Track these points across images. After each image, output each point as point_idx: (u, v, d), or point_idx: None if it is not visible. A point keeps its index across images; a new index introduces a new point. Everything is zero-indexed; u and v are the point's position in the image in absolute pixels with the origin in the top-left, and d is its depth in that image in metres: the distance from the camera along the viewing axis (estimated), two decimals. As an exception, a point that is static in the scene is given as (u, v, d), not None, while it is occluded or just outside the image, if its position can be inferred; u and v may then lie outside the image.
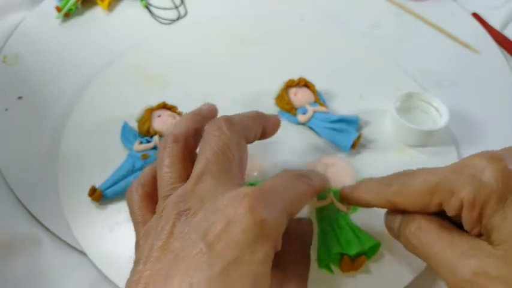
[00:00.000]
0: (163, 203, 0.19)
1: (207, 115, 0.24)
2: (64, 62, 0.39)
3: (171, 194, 0.19)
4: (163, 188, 0.20)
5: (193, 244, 0.17)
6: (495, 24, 0.45)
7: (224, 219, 0.17)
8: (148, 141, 0.32)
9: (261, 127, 0.24)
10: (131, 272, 0.18)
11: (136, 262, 0.18)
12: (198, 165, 0.20)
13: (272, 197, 0.19)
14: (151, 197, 0.22)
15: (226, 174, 0.20)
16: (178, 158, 0.21)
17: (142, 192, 0.22)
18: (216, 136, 0.21)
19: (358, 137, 0.32)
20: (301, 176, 0.22)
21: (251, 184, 0.29)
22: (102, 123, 0.34)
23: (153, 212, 0.20)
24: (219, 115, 0.35)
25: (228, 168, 0.20)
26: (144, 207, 0.21)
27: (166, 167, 0.21)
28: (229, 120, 0.22)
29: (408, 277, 0.27)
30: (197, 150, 0.22)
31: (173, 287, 0.16)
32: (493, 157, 0.19)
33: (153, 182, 0.22)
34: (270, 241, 0.18)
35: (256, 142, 0.33)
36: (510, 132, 0.36)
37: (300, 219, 0.25)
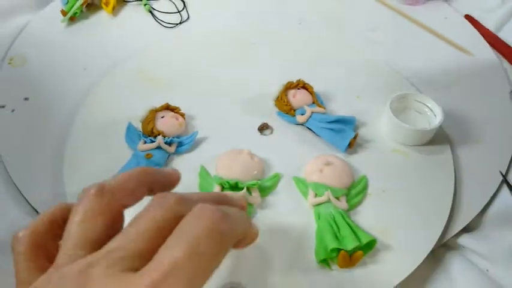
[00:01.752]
0: (51, 276, 0.16)
1: (156, 180, 0.19)
2: (69, 64, 0.39)
3: (64, 264, 0.16)
4: (63, 251, 0.16)
5: None
6: (489, 26, 0.45)
7: None
8: (152, 141, 0.32)
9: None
10: None
11: None
12: (110, 244, 0.16)
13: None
14: (43, 249, 0.18)
15: (133, 264, 0.15)
16: (95, 220, 0.17)
17: (31, 242, 0.18)
18: (150, 215, 0.16)
19: (355, 137, 0.33)
20: (216, 229, 0.16)
21: (250, 186, 0.30)
22: (107, 124, 0.34)
23: (42, 268, 0.17)
24: (219, 116, 0.36)
25: (142, 257, 0.15)
26: (32, 261, 0.17)
27: (77, 225, 0.17)
28: (178, 197, 0.17)
29: (404, 272, 0.27)
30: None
31: None
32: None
33: (50, 230, 0.18)
34: None
35: (257, 142, 0.34)
36: (503, 131, 0.37)
37: None
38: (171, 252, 0.15)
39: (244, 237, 0.18)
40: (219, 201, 0.19)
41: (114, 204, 0.17)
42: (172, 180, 0.20)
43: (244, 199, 0.24)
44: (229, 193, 0.23)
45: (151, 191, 0.19)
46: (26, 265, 0.17)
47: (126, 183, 0.18)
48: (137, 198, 0.19)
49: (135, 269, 0.15)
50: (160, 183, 0.20)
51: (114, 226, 0.17)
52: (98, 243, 0.16)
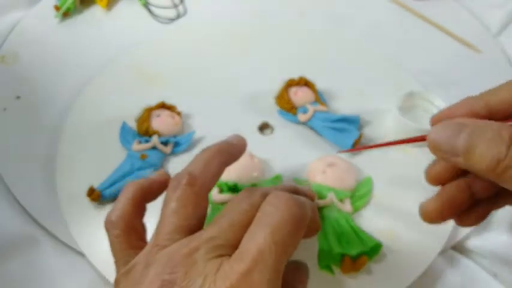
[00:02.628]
0: (154, 256, 0.18)
1: (232, 152, 0.22)
2: (63, 61, 0.39)
3: (165, 245, 0.18)
4: (160, 233, 0.18)
5: None
6: (496, 23, 0.45)
7: None
8: (147, 141, 0.31)
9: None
10: None
11: None
12: (208, 231, 0.18)
13: (260, 276, 0.16)
14: (133, 229, 0.20)
15: (229, 250, 0.17)
16: (188, 205, 0.19)
17: (124, 225, 0.20)
18: (241, 205, 0.18)
19: (359, 137, 0.32)
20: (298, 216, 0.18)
21: (252, 185, 0.29)
22: (101, 123, 0.33)
23: (135, 247, 0.19)
24: (217, 115, 0.35)
25: (235, 244, 0.17)
26: (127, 240, 0.20)
27: (172, 211, 0.19)
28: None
29: (410, 278, 0.27)
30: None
31: None
32: None
33: (135, 212, 0.20)
34: None
35: (257, 142, 0.33)
36: None
37: (295, 265, 0.21)
38: (255, 241, 0.17)
39: (311, 225, 0.19)
40: (290, 191, 0.20)
41: (203, 192, 0.19)
42: (241, 150, 0.23)
43: (311, 190, 0.25)
44: (297, 185, 0.25)
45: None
46: (122, 246, 0.19)
47: (209, 168, 0.20)
48: (218, 179, 0.21)
49: (228, 256, 0.17)
50: (233, 156, 0.22)
51: (202, 211, 0.19)
52: (190, 228, 0.18)
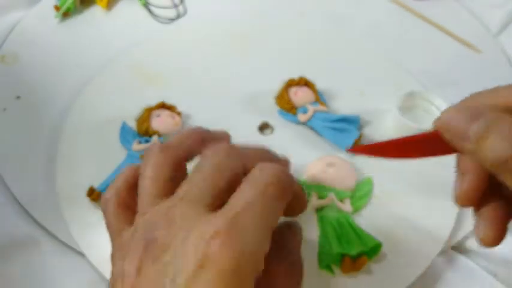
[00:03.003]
0: (139, 220, 0.18)
1: (209, 137, 0.22)
2: (63, 61, 0.39)
3: (147, 212, 0.18)
4: (142, 202, 0.19)
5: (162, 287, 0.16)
6: (496, 23, 0.44)
7: (195, 262, 0.16)
8: (147, 141, 0.31)
9: (262, 160, 0.21)
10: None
11: (114, 281, 0.18)
12: (182, 186, 0.18)
13: (248, 221, 0.16)
14: (127, 206, 0.21)
15: (208, 205, 0.18)
16: (164, 172, 0.19)
17: (117, 201, 0.21)
18: (212, 163, 0.19)
19: (359, 137, 0.32)
20: (280, 181, 0.18)
21: None
22: (101, 123, 0.33)
23: (130, 222, 0.19)
24: (217, 115, 0.35)
25: (212, 200, 0.18)
26: (121, 215, 0.20)
27: (149, 179, 0.19)
28: (231, 148, 0.20)
29: (410, 278, 0.27)
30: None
31: None
32: None
33: (129, 188, 0.21)
34: (249, 276, 0.16)
35: (257, 142, 0.33)
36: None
37: (286, 224, 0.22)
38: (243, 194, 0.17)
39: (298, 200, 0.20)
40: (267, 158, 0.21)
41: (177, 157, 0.20)
42: (222, 139, 0.23)
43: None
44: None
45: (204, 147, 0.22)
46: (116, 220, 0.20)
47: (183, 140, 0.21)
48: (195, 153, 0.21)
49: (208, 209, 0.17)
50: (213, 139, 0.22)
51: (180, 176, 0.20)
52: (170, 190, 0.19)
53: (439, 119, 0.18)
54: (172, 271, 0.16)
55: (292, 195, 0.19)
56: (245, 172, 0.19)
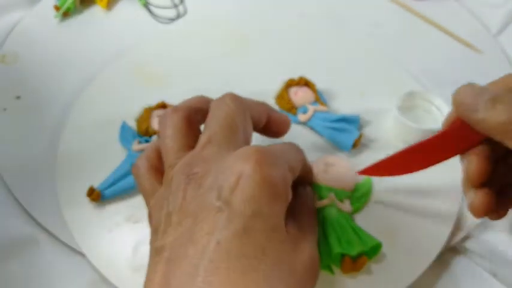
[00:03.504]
0: (171, 172, 0.20)
1: (210, 99, 0.24)
2: (63, 61, 0.39)
3: (177, 163, 0.20)
4: (168, 158, 0.20)
5: (210, 205, 0.17)
6: (496, 23, 0.44)
7: (234, 175, 0.18)
8: (147, 141, 0.31)
9: (267, 114, 0.24)
10: (150, 242, 0.19)
11: (154, 231, 0.19)
12: (203, 135, 0.20)
13: (276, 155, 0.19)
14: (158, 170, 0.22)
15: (231, 143, 0.20)
16: (180, 128, 0.21)
17: (149, 165, 0.22)
18: (221, 108, 0.21)
19: (359, 137, 0.32)
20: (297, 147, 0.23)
21: None
22: (101, 122, 0.33)
23: (161, 183, 0.21)
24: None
25: (233, 138, 0.20)
26: (153, 177, 0.22)
27: (169, 137, 0.21)
28: (234, 95, 0.22)
29: (410, 278, 0.27)
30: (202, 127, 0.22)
31: (200, 247, 0.16)
32: None
33: (158, 156, 0.22)
34: (282, 192, 0.18)
35: (256, 142, 0.33)
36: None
37: (301, 184, 0.25)
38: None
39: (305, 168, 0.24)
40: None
41: (189, 114, 0.22)
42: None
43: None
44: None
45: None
46: (148, 182, 0.21)
47: (191, 101, 0.23)
48: (203, 111, 0.23)
49: (234, 148, 0.19)
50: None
51: (196, 132, 0.22)
52: (191, 144, 0.21)
53: (454, 95, 0.21)
54: (216, 190, 0.18)
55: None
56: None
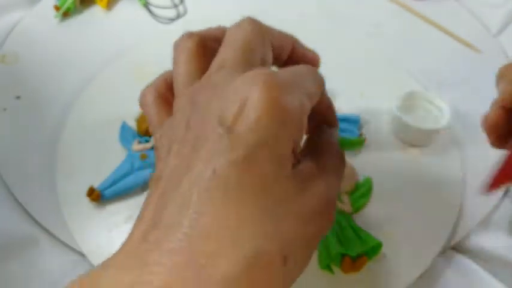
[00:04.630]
0: (179, 100, 0.19)
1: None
2: (63, 61, 0.39)
3: (185, 94, 0.19)
4: (178, 85, 0.19)
5: (211, 130, 0.16)
6: (496, 23, 0.44)
7: (239, 100, 0.16)
8: (147, 141, 0.31)
9: (291, 45, 0.22)
10: (151, 175, 0.18)
11: (157, 161, 0.18)
12: (215, 61, 0.19)
13: (290, 77, 0.17)
14: (167, 100, 0.21)
15: (246, 68, 0.18)
16: (194, 54, 0.20)
17: (157, 95, 0.21)
18: (237, 32, 0.19)
19: (359, 137, 0.32)
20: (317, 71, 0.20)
21: None
22: (101, 122, 0.33)
23: (167, 112, 0.20)
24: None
25: (248, 63, 0.18)
26: (160, 106, 0.20)
27: (182, 63, 0.20)
28: (252, 19, 0.20)
29: (410, 278, 0.27)
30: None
31: (195, 176, 0.15)
32: None
33: (167, 86, 0.21)
34: (293, 121, 0.16)
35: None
36: (512, 131, 0.36)
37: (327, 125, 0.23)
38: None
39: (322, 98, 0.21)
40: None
41: (203, 40, 0.20)
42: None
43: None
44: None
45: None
46: (155, 112, 0.20)
47: (205, 29, 0.21)
48: (218, 38, 0.21)
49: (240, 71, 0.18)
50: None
51: (210, 57, 0.20)
52: (203, 71, 0.19)
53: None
54: (219, 116, 0.16)
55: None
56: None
